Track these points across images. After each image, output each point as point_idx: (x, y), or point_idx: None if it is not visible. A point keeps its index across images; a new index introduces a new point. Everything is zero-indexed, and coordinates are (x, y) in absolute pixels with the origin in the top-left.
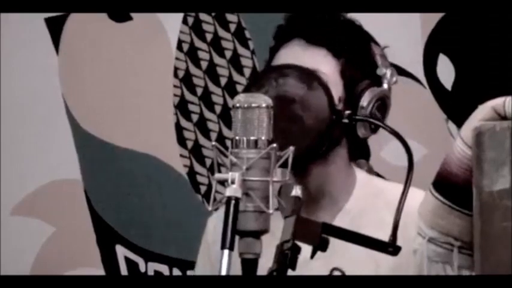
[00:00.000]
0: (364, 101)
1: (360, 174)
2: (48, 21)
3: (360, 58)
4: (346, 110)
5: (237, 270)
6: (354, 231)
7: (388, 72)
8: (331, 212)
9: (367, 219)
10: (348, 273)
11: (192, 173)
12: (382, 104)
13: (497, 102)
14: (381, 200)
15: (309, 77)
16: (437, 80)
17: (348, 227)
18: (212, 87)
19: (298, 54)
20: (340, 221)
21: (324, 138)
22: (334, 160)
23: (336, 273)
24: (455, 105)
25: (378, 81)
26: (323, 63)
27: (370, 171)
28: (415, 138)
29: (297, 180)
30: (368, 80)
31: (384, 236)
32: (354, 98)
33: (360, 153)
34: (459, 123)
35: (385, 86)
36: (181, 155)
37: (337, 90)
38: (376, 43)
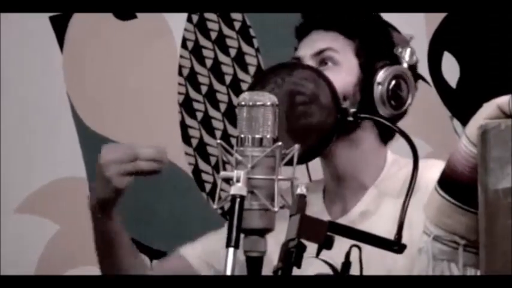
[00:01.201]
0: (380, 77)
1: (391, 156)
2: (52, 19)
3: (374, 38)
4: (362, 90)
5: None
6: (360, 229)
7: (407, 51)
8: (358, 194)
9: (390, 200)
10: (365, 249)
11: (196, 171)
12: (402, 83)
13: (502, 100)
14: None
15: (315, 75)
16: (442, 77)
17: (372, 208)
18: (217, 85)
19: (312, 42)
20: (365, 202)
21: (329, 136)
22: (361, 143)
23: (355, 249)
24: (460, 103)
25: (396, 61)
26: (335, 42)
27: None
28: (420, 136)
29: (325, 163)
30: (386, 60)
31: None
32: (370, 76)
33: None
34: (464, 121)
35: (405, 65)
36: (186, 153)
37: (351, 69)
38: (397, 30)
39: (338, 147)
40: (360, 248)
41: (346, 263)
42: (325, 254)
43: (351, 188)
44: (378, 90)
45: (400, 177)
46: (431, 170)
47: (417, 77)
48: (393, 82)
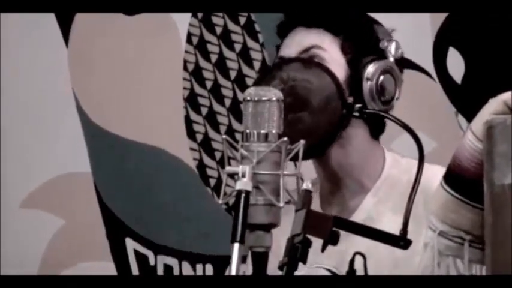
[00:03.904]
0: (369, 73)
1: (389, 154)
2: (57, 14)
3: (359, 34)
4: (351, 87)
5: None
6: (365, 225)
7: (392, 45)
8: (359, 194)
9: (395, 199)
10: (368, 255)
11: (201, 166)
12: (389, 77)
13: (508, 96)
14: (407, 180)
15: (320, 70)
16: (447, 73)
17: (376, 209)
18: (222, 80)
19: (297, 40)
20: (368, 203)
21: (335, 132)
22: (352, 140)
23: (358, 257)
24: (465, 99)
25: (383, 56)
26: (321, 40)
27: None
28: (425, 131)
29: (318, 164)
30: (372, 55)
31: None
32: (359, 72)
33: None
34: (469, 117)
35: (391, 59)
36: (191, 148)
37: (339, 66)
38: (380, 24)
39: (331, 149)
40: (364, 256)
41: (351, 271)
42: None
43: (349, 188)
44: (367, 86)
45: (404, 183)
46: (436, 178)
47: (402, 70)
48: (381, 77)
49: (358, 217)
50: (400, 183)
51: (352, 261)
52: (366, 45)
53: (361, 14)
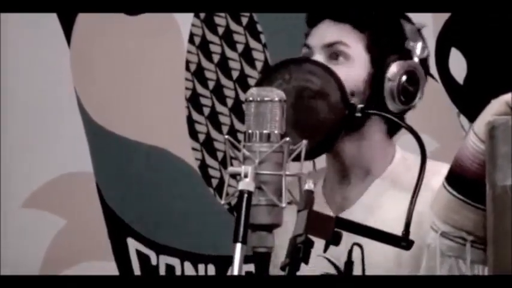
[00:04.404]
0: (391, 73)
1: (399, 152)
2: (60, 14)
3: (386, 32)
4: (372, 85)
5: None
6: (368, 225)
7: (418, 45)
8: (362, 187)
9: (397, 195)
10: (367, 247)
11: (203, 166)
12: (412, 77)
13: (510, 97)
14: (409, 176)
15: (323, 71)
16: (450, 74)
17: (377, 201)
18: (224, 80)
19: (323, 32)
20: (370, 194)
21: (337, 132)
22: (369, 135)
23: (356, 248)
24: (467, 100)
25: (408, 55)
26: (346, 36)
27: None
28: (427, 132)
29: (332, 157)
30: (397, 54)
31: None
32: (381, 71)
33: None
34: (471, 118)
35: (416, 59)
36: (193, 148)
37: (362, 64)
38: (410, 21)
39: (346, 143)
40: (361, 247)
41: (349, 262)
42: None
43: (356, 175)
44: (388, 85)
45: (409, 179)
46: (440, 174)
47: (427, 71)
48: (404, 77)
49: (358, 208)
50: (404, 178)
51: (350, 252)
52: (392, 44)
53: (390, 11)
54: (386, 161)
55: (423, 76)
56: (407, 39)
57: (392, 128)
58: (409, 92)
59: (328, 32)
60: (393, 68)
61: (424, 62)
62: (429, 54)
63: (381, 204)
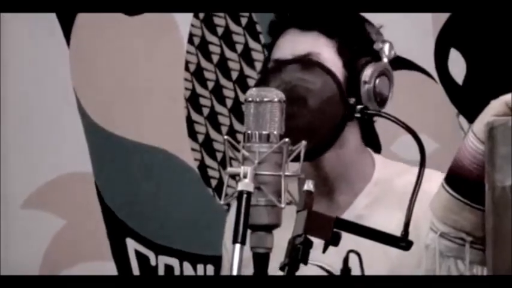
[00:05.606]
0: (366, 76)
1: (378, 158)
2: (59, 14)
3: (354, 36)
4: (348, 89)
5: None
6: (366, 226)
7: (386, 46)
8: (349, 196)
9: (387, 202)
10: (363, 254)
11: (202, 166)
12: (385, 79)
13: (510, 97)
14: (400, 183)
15: (321, 71)
16: (449, 74)
17: (367, 210)
18: (223, 81)
19: (291, 41)
20: (359, 204)
21: (336, 133)
22: (345, 142)
23: (352, 255)
24: (467, 100)
25: (377, 57)
26: (316, 44)
27: None
28: (426, 132)
29: (311, 167)
30: (368, 57)
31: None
32: (355, 74)
33: (371, 142)
34: (470, 118)
35: (385, 60)
36: (192, 149)
37: (337, 69)
38: (370, 23)
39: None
40: (359, 254)
41: (345, 270)
42: (324, 260)
43: (340, 189)
44: (365, 88)
45: (399, 186)
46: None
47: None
48: (378, 80)
49: (348, 218)
50: (395, 186)
51: (346, 260)
52: (361, 47)
53: (354, 15)
54: (368, 168)
55: (393, 76)
56: (375, 41)
57: (366, 135)
58: (383, 93)
59: (296, 42)
60: (367, 71)
61: (391, 62)
62: (396, 54)
63: (372, 217)
